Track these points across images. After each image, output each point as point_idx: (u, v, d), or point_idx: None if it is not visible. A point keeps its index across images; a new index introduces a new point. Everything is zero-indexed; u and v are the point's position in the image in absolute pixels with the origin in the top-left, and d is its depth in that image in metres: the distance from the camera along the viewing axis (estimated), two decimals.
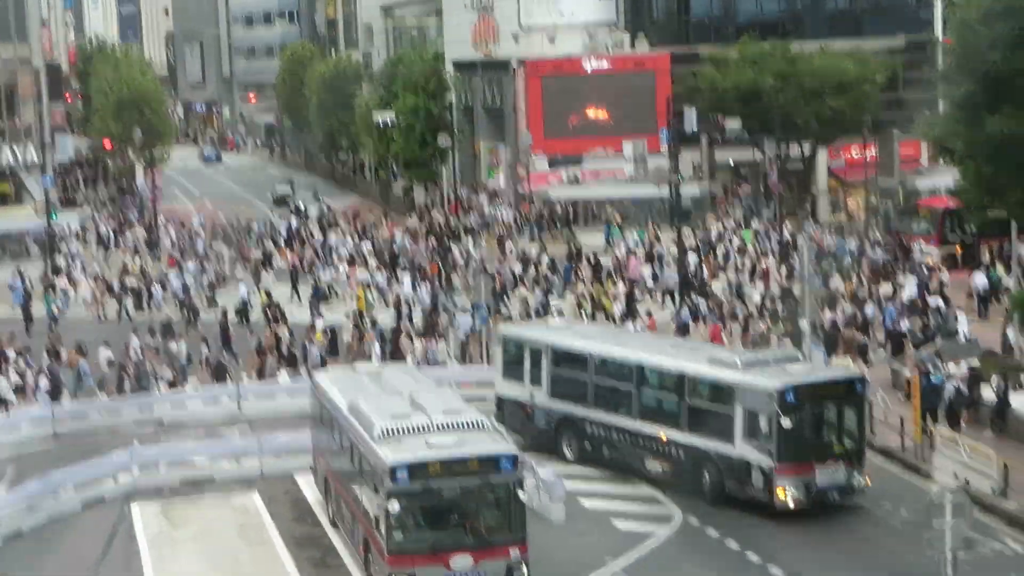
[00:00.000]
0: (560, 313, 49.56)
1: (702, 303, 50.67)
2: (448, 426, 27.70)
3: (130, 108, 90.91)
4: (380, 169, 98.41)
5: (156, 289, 59.37)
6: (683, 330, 47.54)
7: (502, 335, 39.16)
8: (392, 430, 27.55)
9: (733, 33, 78.43)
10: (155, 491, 35.29)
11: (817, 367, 35.75)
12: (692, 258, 58.75)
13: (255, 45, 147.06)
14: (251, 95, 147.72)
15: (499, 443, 27.66)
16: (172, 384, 44.32)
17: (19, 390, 44.03)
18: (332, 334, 49.05)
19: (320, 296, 56.85)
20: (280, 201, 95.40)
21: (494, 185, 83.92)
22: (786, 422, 30.71)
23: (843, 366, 40.10)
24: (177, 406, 42.71)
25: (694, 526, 31.33)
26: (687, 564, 29.37)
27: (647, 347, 36.16)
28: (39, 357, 46.44)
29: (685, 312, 49.38)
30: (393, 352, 45.54)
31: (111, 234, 76.83)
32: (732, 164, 78.26)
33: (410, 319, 51.36)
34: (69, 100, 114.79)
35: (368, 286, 57.45)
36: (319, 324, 49.85)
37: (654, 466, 33.78)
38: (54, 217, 70.81)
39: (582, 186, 76.33)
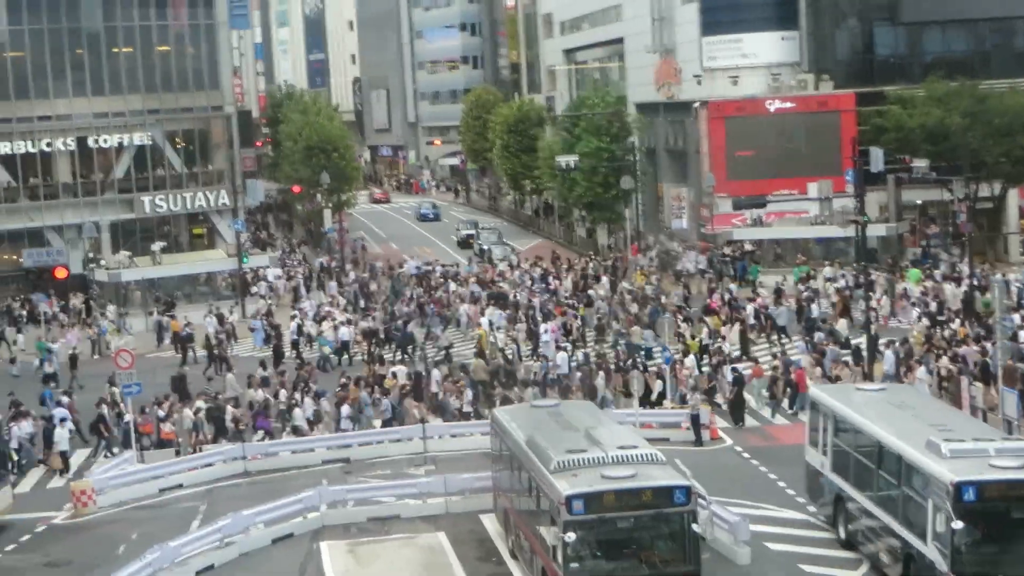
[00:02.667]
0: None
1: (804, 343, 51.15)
2: (623, 459, 28.17)
3: (318, 153, 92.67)
4: (564, 211, 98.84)
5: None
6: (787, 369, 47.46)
7: (810, 396, 36.50)
8: (568, 463, 28.09)
9: (919, 72, 77.30)
10: (343, 529, 35.86)
11: None
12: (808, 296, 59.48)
13: (439, 89, 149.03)
14: (435, 140, 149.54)
15: (673, 476, 28.04)
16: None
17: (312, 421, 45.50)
18: (416, 379, 48.78)
19: (407, 340, 57.53)
20: (464, 243, 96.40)
21: (677, 227, 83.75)
22: (958, 524, 25.91)
23: None
24: (364, 445, 43.39)
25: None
26: None
27: (902, 420, 30.75)
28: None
29: (795, 352, 49.38)
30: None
31: (323, 278, 78.24)
32: (919, 204, 77.08)
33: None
34: (259, 145, 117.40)
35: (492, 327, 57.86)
36: (399, 372, 50.06)
37: (884, 557, 29.76)
38: (245, 260, 72.48)
39: (766, 227, 75.77)
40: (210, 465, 41.84)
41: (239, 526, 34.34)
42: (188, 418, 45.18)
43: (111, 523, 37.76)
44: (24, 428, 44.83)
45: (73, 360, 57.16)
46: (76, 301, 72.13)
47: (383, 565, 33.13)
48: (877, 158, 64.67)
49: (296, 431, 44.65)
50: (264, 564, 33.63)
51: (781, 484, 37.71)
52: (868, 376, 45.67)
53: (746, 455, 41.28)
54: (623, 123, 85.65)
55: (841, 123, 76.03)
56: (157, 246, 75.02)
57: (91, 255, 75.68)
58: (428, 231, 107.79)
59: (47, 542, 36.55)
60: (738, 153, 78.64)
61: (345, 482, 39.01)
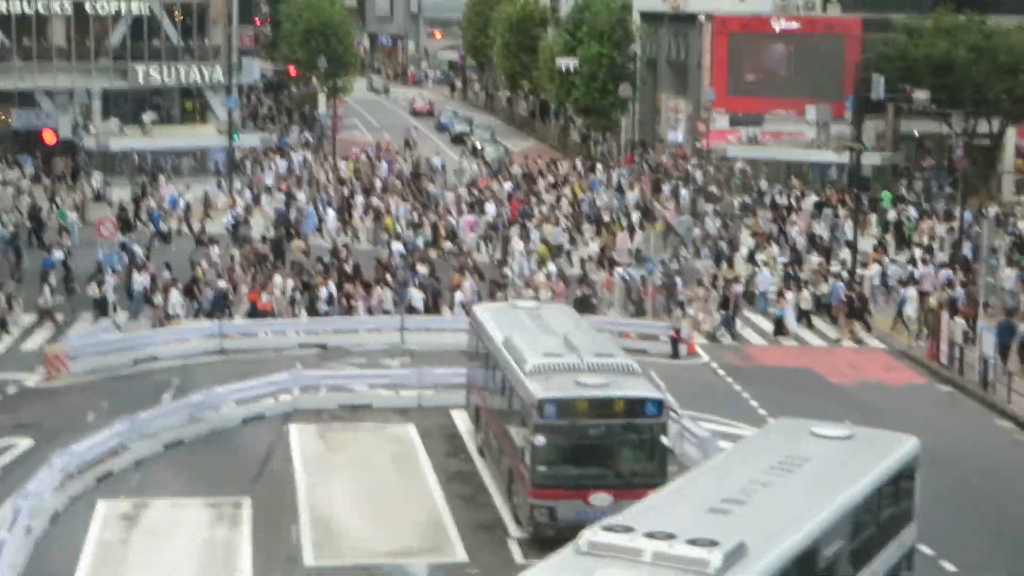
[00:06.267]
0: None
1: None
2: (599, 367, 28.09)
3: (317, 36, 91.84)
4: (560, 115, 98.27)
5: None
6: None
7: None
8: (544, 366, 27.99)
9: (928, 3, 76.63)
10: (314, 413, 35.84)
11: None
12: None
13: None
14: (436, 31, 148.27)
15: (646, 387, 27.97)
16: None
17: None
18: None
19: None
20: (457, 139, 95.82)
21: (673, 139, 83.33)
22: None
23: None
24: (342, 333, 43.26)
25: None
26: None
27: None
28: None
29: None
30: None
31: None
32: (917, 136, 76.76)
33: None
34: (258, 23, 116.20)
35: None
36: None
37: None
38: (236, 138, 71.95)
39: (761, 146, 75.40)
40: (187, 341, 41.72)
41: (211, 403, 34.29)
42: (279, 287, 45.30)
43: (83, 390, 37.67)
44: (140, 281, 45.45)
45: None
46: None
47: (351, 452, 33.15)
48: (878, 86, 64.32)
49: (412, 310, 44.71)
50: (233, 443, 33.63)
51: (753, 403, 37.76)
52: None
53: (721, 372, 41.30)
54: (626, 30, 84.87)
55: (845, 48, 75.44)
56: (148, 117, 74.45)
57: (81, 121, 75.11)
58: (423, 125, 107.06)
59: (17, 404, 36.49)
60: (739, 70, 78.15)
61: (320, 368, 38.94)
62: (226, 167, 71.15)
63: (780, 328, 45.79)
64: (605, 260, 50.86)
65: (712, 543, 17.96)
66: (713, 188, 67.66)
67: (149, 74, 79.74)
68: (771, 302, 47.37)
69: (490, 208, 60.61)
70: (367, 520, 28.58)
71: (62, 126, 74.30)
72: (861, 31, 76.08)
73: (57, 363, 38.67)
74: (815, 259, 53.31)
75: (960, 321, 42.41)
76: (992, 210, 63.29)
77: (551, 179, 71.47)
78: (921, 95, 65.45)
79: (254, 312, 44.27)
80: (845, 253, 54.09)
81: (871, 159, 67.96)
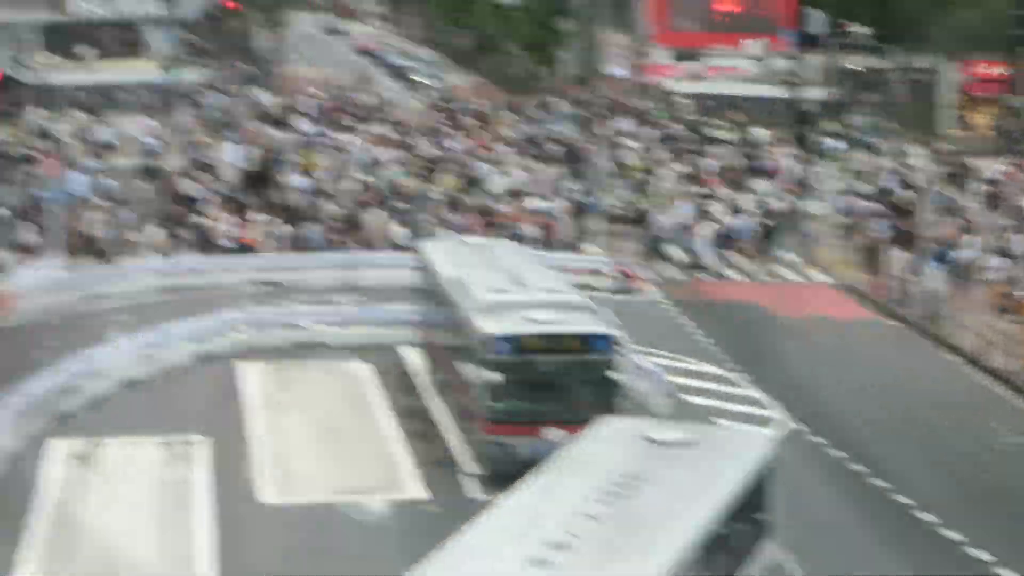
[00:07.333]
0: None
1: None
2: (549, 303, 28.26)
3: None
4: (501, 49, 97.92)
5: None
6: None
7: None
8: (494, 303, 28.11)
9: None
10: (265, 352, 35.79)
11: None
12: None
13: None
14: None
15: (597, 323, 28.18)
16: None
17: None
18: None
19: None
20: (399, 74, 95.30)
21: (617, 74, 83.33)
22: None
23: None
24: (295, 270, 43.15)
25: (797, 431, 31.17)
26: (783, 470, 29.25)
27: None
28: None
29: None
30: None
31: None
32: (859, 71, 77.06)
33: None
34: None
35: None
36: None
37: None
38: (175, 73, 71.30)
39: (703, 81, 75.51)
40: (138, 278, 41.44)
41: (162, 340, 34.18)
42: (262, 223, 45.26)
43: (32, 330, 37.37)
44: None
45: None
46: None
47: (303, 390, 33.17)
48: (818, 21, 64.54)
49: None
50: (185, 380, 33.57)
51: (706, 339, 38.10)
52: None
53: (670, 307, 41.56)
54: None
55: None
56: (87, 51, 73.59)
57: (19, 56, 74.22)
58: (365, 60, 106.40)
59: None
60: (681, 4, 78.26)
61: (272, 305, 38.84)
62: (165, 103, 70.47)
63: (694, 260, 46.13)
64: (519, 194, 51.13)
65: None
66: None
67: (87, 8, 78.71)
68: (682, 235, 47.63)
69: (456, 145, 60.19)
70: (322, 458, 28.65)
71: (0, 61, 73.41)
72: None
73: (3, 303, 38.37)
74: (726, 192, 53.40)
75: (906, 255, 42.86)
76: (943, 146, 63.77)
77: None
78: (860, 30, 65.74)
79: (239, 248, 44.08)
80: (762, 186, 54.38)
81: (814, 94, 68.24)
